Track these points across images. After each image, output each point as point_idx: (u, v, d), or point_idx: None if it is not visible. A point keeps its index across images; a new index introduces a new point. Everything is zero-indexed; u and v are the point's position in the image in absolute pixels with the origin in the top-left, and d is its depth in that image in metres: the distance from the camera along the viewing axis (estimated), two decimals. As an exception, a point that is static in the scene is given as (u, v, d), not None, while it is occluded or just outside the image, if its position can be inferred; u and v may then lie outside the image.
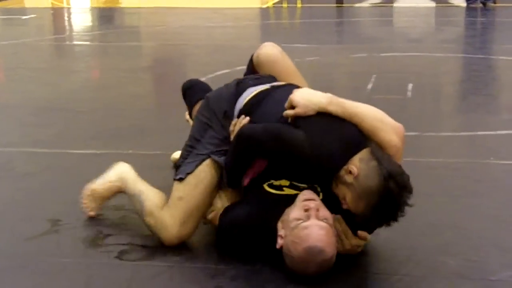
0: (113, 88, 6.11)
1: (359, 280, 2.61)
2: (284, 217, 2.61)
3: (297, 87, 2.91)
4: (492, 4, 11.63)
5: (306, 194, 2.63)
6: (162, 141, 4.30)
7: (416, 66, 6.90)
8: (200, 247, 2.88)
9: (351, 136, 2.65)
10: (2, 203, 3.38)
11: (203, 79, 5.89)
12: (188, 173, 2.87)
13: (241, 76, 3.23)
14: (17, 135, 4.60)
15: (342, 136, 2.64)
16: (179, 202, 2.84)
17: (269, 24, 11.23)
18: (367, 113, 2.69)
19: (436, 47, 8.01)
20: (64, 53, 8.64)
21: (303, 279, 2.52)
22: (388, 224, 2.58)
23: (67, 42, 9.31)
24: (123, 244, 2.88)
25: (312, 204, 2.56)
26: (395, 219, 2.55)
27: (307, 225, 2.49)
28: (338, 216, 2.62)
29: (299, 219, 2.52)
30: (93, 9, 13.64)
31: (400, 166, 2.57)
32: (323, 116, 2.68)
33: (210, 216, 2.83)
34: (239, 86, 3.02)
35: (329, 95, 2.74)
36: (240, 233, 2.69)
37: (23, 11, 12.59)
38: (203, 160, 2.88)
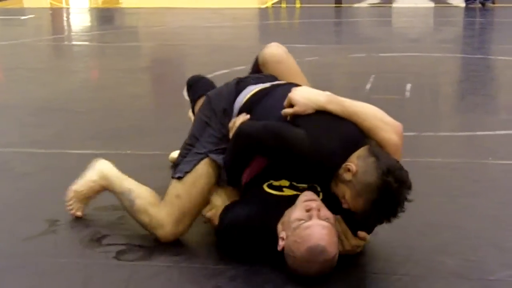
0: (112, 88, 6.11)
1: (358, 280, 2.61)
2: (284, 219, 2.60)
3: (297, 85, 2.91)
4: (491, 5, 11.63)
5: (307, 195, 2.62)
6: (161, 141, 4.30)
7: (415, 66, 6.90)
8: (198, 247, 2.88)
9: (351, 134, 2.66)
10: (0, 203, 3.38)
11: (201, 79, 5.92)
12: (187, 172, 2.87)
13: (240, 76, 3.23)
14: (16, 135, 4.60)
15: (342, 134, 2.64)
16: (177, 201, 2.85)
17: (268, 24, 11.24)
18: (367, 112, 2.69)
19: (434, 47, 8.01)
20: (62, 53, 8.64)
21: (302, 279, 2.51)
22: (388, 221, 2.57)
23: (66, 42, 9.31)
24: (121, 244, 2.88)
25: (313, 204, 2.56)
26: (395, 214, 2.54)
27: (309, 224, 2.49)
28: (338, 217, 2.61)
29: (301, 219, 2.51)
30: (92, 9, 13.64)
31: (398, 162, 2.57)
32: (322, 115, 2.69)
33: (209, 214, 2.82)
34: (239, 85, 3.02)
35: (328, 93, 2.74)
36: (240, 235, 2.68)
37: (21, 11, 12.58)
38: (202, 159, 2.88)
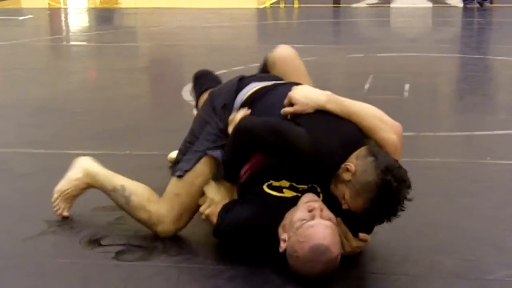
0: (110, 88, 6.10)
1: (357, 280, 2.61)
2: (285, 221, 2.59)
3: (298, 85, 2.91)
4: (489, 5, 11.64)
5: (309, 196, 2.62)
6: (159, 141, 4.29)
7: (413, 66, 6.91)
8: (198, 248, 2.88)
9: (350, 134, 2.66)
10: (-1, 204, 3.39)
11: (200, 79, 5.92)
12: (186, 170, 2.88)
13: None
14: (14, 135, 4.60)
15: (342, 134, 2.65)
16: (176, 198, 2.87)
17: (266, 24, 11.24)
18: (366, 112, 2.69)
19: (433, 47, 8.02)
20: (61, 53, 8.64)
21: (301, 279, 2.51)
22: (388, 220, 2.57)
23: (64, 43, 9.31)
24: (120, 245, 2.88)
25: (316, 204, 2.56)
26: (395, 213, 2.54)
27: (313, 224, 2.48)
28: (338, 218, 2.61)
29: (303, 219, 2.50)
30: (90, 9, 13.64)
31: (397, 161, 2.58)
32: (322, 114, 2.69)
33: (208, 211, 2.80)
34: (242, 82, 3.02)
35: (328, 93, 2.75)
36: (241, 236, 2.67)
37: (20, 11, 12.57)
38: (201, 157, 2.89)
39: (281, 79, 3.08)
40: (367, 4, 13.02)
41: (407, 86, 5.84)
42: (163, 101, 5.72)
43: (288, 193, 2.70)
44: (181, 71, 7.15)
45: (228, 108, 2.93)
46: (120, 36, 9.46)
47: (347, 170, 2.56)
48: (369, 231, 2.69)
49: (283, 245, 2.55)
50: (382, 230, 2.73)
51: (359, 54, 7.54)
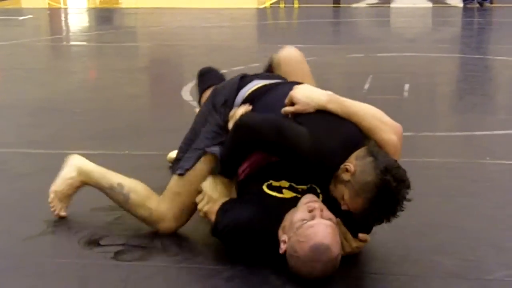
0: (110, 88, 6.11)
1: (356, 279, 2.61)
2: (285, 223, 2.59)
3: (300, 84, 2.91)
4: (489, 5, 11.64)
5: (308, 197, 2.62)
6: (159, 141, 4.29)
7: (413, 66, 6.91)
8: (196, 248, 2.88)
9: (351, 135, 2.66)
10: (-2, 204, 3.39)
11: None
12: (187, 169, 2.89)
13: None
14: (13, 135, 4.60)
15: (342, 134, 2.65)
16: (177, 197, 2.89)
17: (266, 24, 11.24)
18: (367, 112, 2.70)
19: (432, 47, 8.02)
20: (60, 53, 8.64)
21: (299, 279, 2.51)
22: (388, 220, 2.57)
23: (64, 43, 9.31)
24: (119, 245, 2.88)
25: (316, 204, 2.55)
26: (394, 213, 2.54)
27: (313, 223, 2.47)
28: (337, 219, 2.61)
29: (303, 220, 2.50)
30: (90, 9, 13.64)
31: (396, 161, 2.57)
32: (323, 114, 2.69)
33: (206, 208, 2.79)
34: (243, 80, 3.02)
35: (329, 93, 2.75)
36: (241, 237, 2.66)
37: (20, 11, 12.57)
38: (200, 155, 2.89)
39: (284, 79, 3.08)
40: (367, 4, 13.02)
41: (406, 86, 5.84)
42: (163, 101, 5.72)
43: (287, 194, 2.70)
44: (181, 71, 7.15)
45: (228, 105, 2.93)
46: (120, 36, 9.46)
47: (346, 170, 2.56)
48: (368, 231, 2.69)
49: (283, 247, 2.55)
50: (381, 230, 2.73)
51: (359, 54, 7.54)
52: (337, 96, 2.74)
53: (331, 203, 2.62)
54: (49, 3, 13.84)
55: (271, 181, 2.73)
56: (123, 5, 14.06)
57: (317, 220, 2.49)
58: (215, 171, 2.83)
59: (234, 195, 2.83)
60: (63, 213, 3.11)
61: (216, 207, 2.75)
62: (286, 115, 2.73)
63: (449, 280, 2.58)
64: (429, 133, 4.50)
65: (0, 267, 2.72)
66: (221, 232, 2.71)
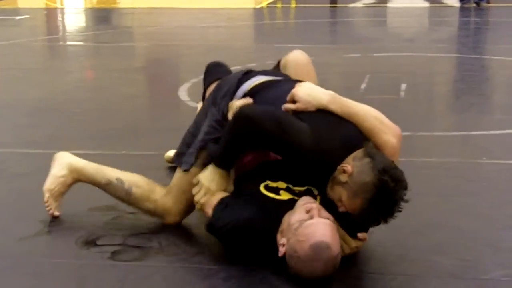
0: (107, 88, 6.10)
1: (353, 279, 2.61)
2: (282, 226, 2.58)
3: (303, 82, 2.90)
4: (486, 4, 11.66)
5: (305, 199, 2.62)
6: (156, 141, 4.29)
7: (410, 66, 6.91)
8: (193, 248, 2.88)
9: (350, 135, 2.66)
10: (-5, 204, 3.38)
11: (196, 79, 5.93)
12: (192, 164, 2.92)
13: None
14: (11, 135, 4.59)
15: (342, 134, 2.65)
16: (183, 194, 2.91)
17: (263, 24, 11.24)
18: (368, 113, 2.70)
19: (429, 47, 8.03)
20: (57, 53, 8.63)
21: (297, 280, 2.51)
22: (385, 221, 2.56)
23: (61, 43, 9.30)
24: (116, 245, 2.88)
25: (314, 204, 2.55)
26: (392, 214, 2.53)
27: (312, 222, 2.47)
28: (335, 222, 2.60)
29: (302, 220, 2.50)
30: (86, 9, 13.63)
31: (393, 162, 2.58)
32: (324, 113, 2.69)
33: (203, 199, 2.77)
34: (247, 75, 3.03)
35: (331, 93, 2.74)
36: (240, 237, 2.65)
37: (16, 11, 12.56)
38: (201, 150, 2.91)
39: (288, 77, 3.08)
40: (364, 4, 13.03)
41: (403, 86, 5.84)
42: (160, 101, 5.72)
43: (284, 196, 2.69)
44: (178, 71, 7.15)
45: (228, 98, 2.93)
46: (117, 36, 9.46)
47: (344, 171, 2.56)
48: (366, 230, 2.69)
49: (282, 249, 2.54)
50: (379, 230, 2.73)
51: (356, 54, 7.55)
52: (339, 96, 2.74)
53: (329, 206, 2.61)
54: (46, 3, 13.83)
55: (267, 182, 2.72)
56: (120, 5, 14.05)
57: (316, 219, 2.48)
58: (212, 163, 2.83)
59: (231, 188, 2.82)
60: (56, 213, 3.11)
61: (213, 200, 2.74)
62: (286, 111, 2.73)
63: (446, 280, 2.59)
64: (426, 133, 4.51)
65: (-3, 267, 2.72)
66: (219, 230, 2.70)
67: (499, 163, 3.92)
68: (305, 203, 2.57)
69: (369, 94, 5.54)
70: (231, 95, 2.93)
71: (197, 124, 3.02)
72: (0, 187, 3.64)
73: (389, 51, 7.71)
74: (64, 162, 3.10)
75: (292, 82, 2.88)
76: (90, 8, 13.78)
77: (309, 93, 2.72)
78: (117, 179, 3.00)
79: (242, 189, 2.77)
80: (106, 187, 3.02)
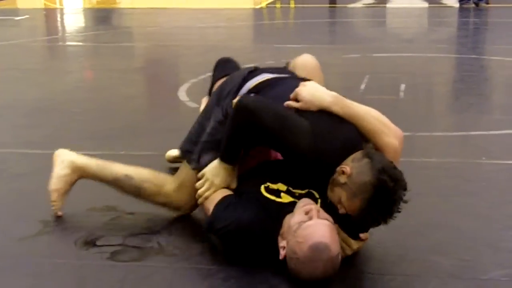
0: (106, 89, 6.10)
1: (353, 279, 2.61)
2: (283, 229, 2.58)
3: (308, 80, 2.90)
4: (485, 5, 11.66)
5: (305, 201, 2.62)
6: (156, 141, 4.29)
7: (409, 67, 6.91)
8: (193, 248, 2.88)
9: (351, 137, 2.66)
10: (-6, 204, 3.38)
11: (195, 80, 5.94)
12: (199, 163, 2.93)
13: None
14: (10, 135, 4.59)
15: (342, 135, 2.65)
16: (194, 191, 2.90)
17: (262, 24, 11.24)
18: (369, 115, 2.71)
19: (429, 48, 8.03)
20: (57, 54, 8.63)
21: (296, 280, 2.50)
22: (384, 221, 2.56)
23: (60, 43, 9.30)
24: (116, 245, 2.88)
25: (313, 206, 2.55)
26: (391, 214, 2.53)
27: (311, 223, 2.47)
28: (336, 225, 2.60)
29: (301, 222, 2.49)
30: (86, 9, 13.62)
31: (392, 163, 2.57)
32: (325, 114, 2.69)
33: (207, 193, 2.78)
34: (252, 73, 3.03)
35: (334, 94, 2.74)
36: (240, 239, 2.65)
37: (15, 11, 12.55)
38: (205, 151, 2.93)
39: (294, 75, 3.07)
40: (363, 4, 13.03)
41: (403, 86, 5.84)
42: (160, 102, 5.72)
43: (285, 198, 2.69)
44: (177, 72, 7.15)
45: (232, 96, 2.93)
46: (116, 36, 9.45)
47: (343, 172, 2.56)
48: (365, 231, 2.69)
49: (282, 252, 2.54)
50: (379, 230, 2.73)
51: (355, 54, 7.55)
52: (342, 98, 2.74)
53: (330, 209, 2.61)
54: (45, 3, 13.83)
55: (268, 183, 2.72)
56: (119, 5, 14.05)
57: (315, 220, 2.48)
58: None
59: (234, 184, 2.82)
60: (60, 213, 3.11)
61: (216, 196, 2.75)
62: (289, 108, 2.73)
63: (446, 280, 2.59)
64: (426, 133, 4.51)
65: (-3, 268, 2.72)
66: (219, 230, 2.70)
67: (498, 163, 3.93)
68: (305, 205, 2.57)
69: (369, 94, 5.54)
70: (235, 94, 2.93)
71: (201, 123, 3.02)
72: (0, 187, 3.63)
73: (388, 51, 7.72)
74: (66, 161, 3.09)
75: (297, 81, 2.88)
76: (90, 8, 13.77)
77: (312, 93, 2.72)
78: (125, 175, 3.00)
79: (242, 189, 2.77)
80: (113, 183, 3.02)
